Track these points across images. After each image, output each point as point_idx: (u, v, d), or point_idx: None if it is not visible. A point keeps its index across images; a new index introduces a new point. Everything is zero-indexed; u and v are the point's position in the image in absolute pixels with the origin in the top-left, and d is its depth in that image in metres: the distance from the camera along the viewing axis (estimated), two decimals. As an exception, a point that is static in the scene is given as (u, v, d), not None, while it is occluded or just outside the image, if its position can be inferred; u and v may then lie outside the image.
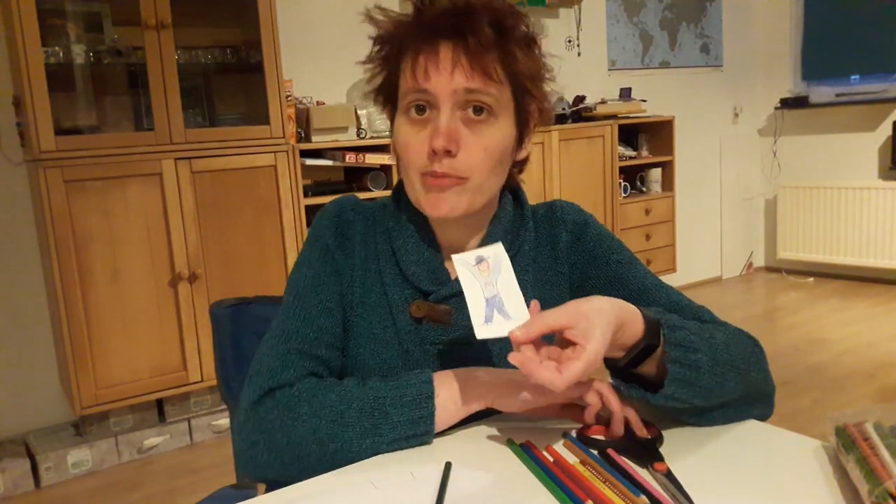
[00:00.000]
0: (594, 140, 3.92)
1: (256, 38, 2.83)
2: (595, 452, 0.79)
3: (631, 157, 4.21)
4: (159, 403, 2.84)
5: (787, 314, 4.22)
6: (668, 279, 4.33)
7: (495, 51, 0.88)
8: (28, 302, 2.82)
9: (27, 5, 2.38)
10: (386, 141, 3.15)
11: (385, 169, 3.17)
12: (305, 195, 2.99)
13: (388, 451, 0.83)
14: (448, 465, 0.78)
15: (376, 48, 0.94)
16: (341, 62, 3.34)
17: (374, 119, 3.22)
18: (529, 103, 0.93)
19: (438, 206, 0.90)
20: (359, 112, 3.19)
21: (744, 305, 4.49)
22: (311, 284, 0.95)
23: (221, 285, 2.80)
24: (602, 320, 0.75)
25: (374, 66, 0.95)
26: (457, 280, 0.95)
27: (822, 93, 4.87)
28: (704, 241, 5.05)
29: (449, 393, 0.85)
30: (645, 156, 4.33)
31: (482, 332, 0.80)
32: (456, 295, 0.95)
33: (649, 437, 0.82)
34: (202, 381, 2.79)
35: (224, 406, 2.88)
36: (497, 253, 0.85)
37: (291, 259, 2.94)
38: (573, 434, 0.83)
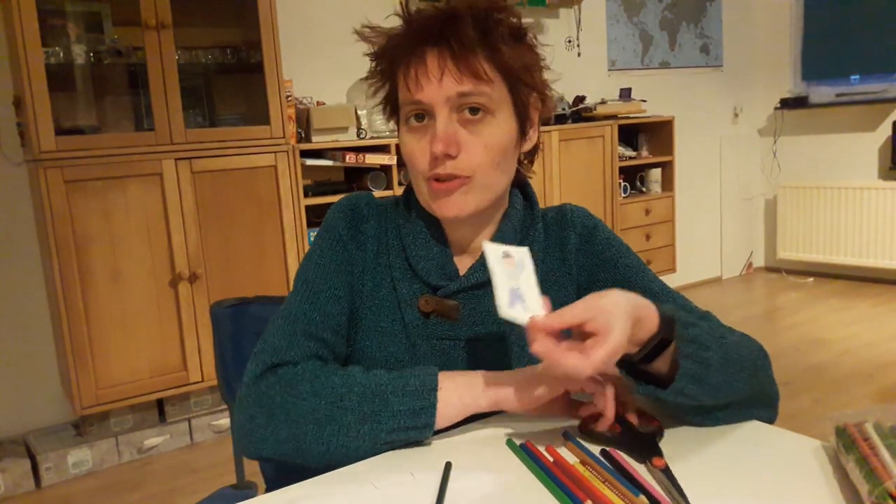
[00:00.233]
0: (594, 140, 3.92)
1: (256, 38, 2.83)
2: (595, 453, 0.79)
3: (631, 158, 4.21)
4: (159, 403, 2.84)
5: (787, 314, 4.22)
6: (668, 279, 4.33)
7: (481, 50, 0.89)
8: (28, 302, 2.82)
9: (27, 5, 2.38)
10: (386, 141, 3.15)
11: (385, 169, 3.17)
12: (305, 195, 2.99)
13: (386, 441, 0.82)
14: (448, 465, 0.78)
15: (374, 64, 0.96)
16: (341, 62, 3.34)
17: (374, 119, 3.22)
18: (527, 94, 0.94)
19: (447, 208, 0.92)
20: (359, 112, 3.19)
21: (744, 305, 4.49)
22: (321, 272, 0.96)
23: (221, 285, 2.80)
24: (620, 311, 0.76)
25: (375, 80, 0.97)
26: (465, 276, 0.97)
27: (822, 93, 4.87)
28: (704, 242, 5.05)
29: (453, 388, 0.85)
30: (645, 156, 4.33)
31: (505, 312, 0.79)
32: (464, 290, 0.97)
33: (650, 429, 0.82)
34: (202, 381, 2.79)
35: (224, 406, 2.88)
36: (523, 254, 0.84)
37: (292, 259, 2.94)
38: (571, 432, 0.83)
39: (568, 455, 0.80)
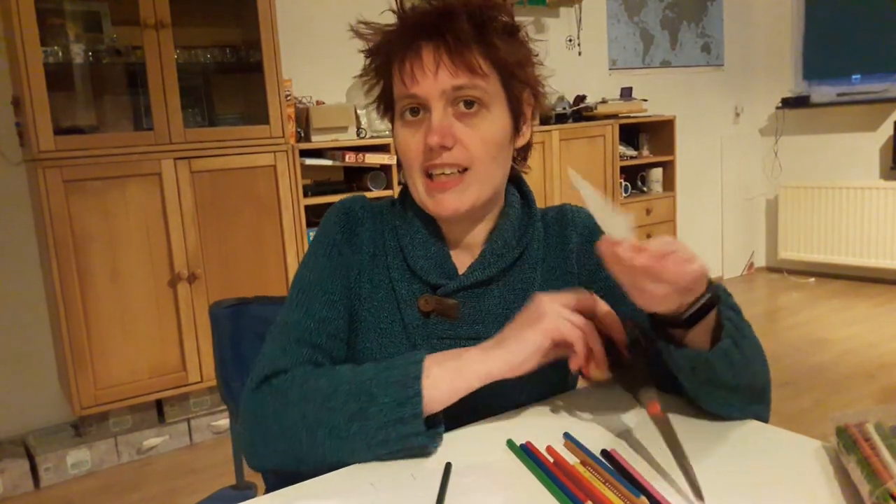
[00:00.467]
0: (595, 140, 3.92)
1: (256, 38, 2.83)
2: (595, 453, 0.79)
3: (632, 157, 4.21)
4: (159, 404, 2.84)
5: (788, 314, 4.21)
6: (668, 279, 4.33)
7: (476, 45, 0.90)
8: (27, 302, 2.82)
9: (26, 5, 2.38)
10: (386, 141, 3.15)
11: (385, 169, 3.17)
12: (305, 195, 2.99)
13: (381, 441, 0.80)
14: (448, 466, 0.78)
15: (368, 60, 0.97)
16: (341, 62, 3.34)
17: (374, 119, 3.21)
18: (521, 90, 0.95)
19: (443, 206, 0.93)
20: (358, 112, 3.18)
21: (745, 306, 4.43)
22: (316, 278, 0.96)
23: (221, 285, 2.79)
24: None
25: (370, 77, 0.98)
26: (465, 275, 0.97)
27: (823, 92, 4.87)
28: (705, 241, 5.04)
29: (440, 374, 0.82)
30: (646, 155, 4.33)
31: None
32: (464, 289, 0.96)
33: (640, 365, 0.83)
34: (202, 381, 2.79)
35: (224, 406, 2.87)
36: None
37: (291, 259, 2.94)
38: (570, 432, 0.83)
39: (568, 455, 0.79)
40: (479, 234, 1.00)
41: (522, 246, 1.00)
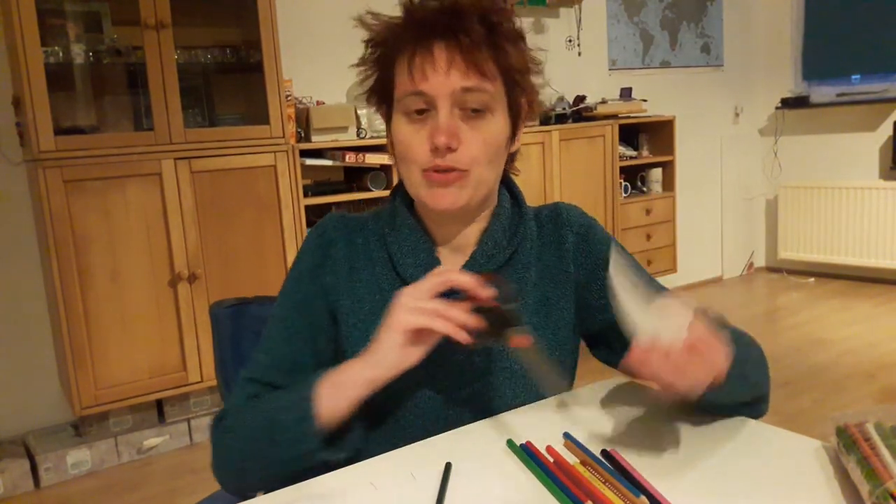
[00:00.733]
0: (594, 140, 3.92)
1: (256, 38, 2.83)
2: (596, 453, 0.79)
3: (631, 157, 4.21)
4: (159, 404, 2.84)
5: (787, 314, 4.21)
6: (668, 279, 4.33)
7: (487, 48, 0.90)
8: (28, 302, 2.82)
9: (27, 5, 2.38)
10: (386, 140, 3.14)
11: (385, 169, 3.17)
12: (305, 195, 2.99)
13: (290, 457, 0.84)
14: (448, 466, 0.78)
15: (370, 51, 0.96)
16: (341, 62, 3.34)
17: (374, 119, 3.21)
18: (520, 96, 0.96)
19: (441, 200, 0.92)
20: (359, 112, 3.18)
21: (745, 306, 4.49)
22: (280, 314, 1.00)
23: (221, 285, 2.79)
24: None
25: (368, 68, 0.97)
26: None
27: (822, 93, 4.87)
28: (705, 242, 5.04)
29: (328, 386, 0.86)
30: (645, 156, 4.33)
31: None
32: (455, 292, 0.95)
33: (496, 304, 0.83)
34: (202, 381, 2.79)
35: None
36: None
37: (291, 259, 2.92)
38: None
39: (568, 455, 0.79)
40: (470, 235, 1.00)
41: (514, 246, 1.00)
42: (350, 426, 0.88)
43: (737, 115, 5.10)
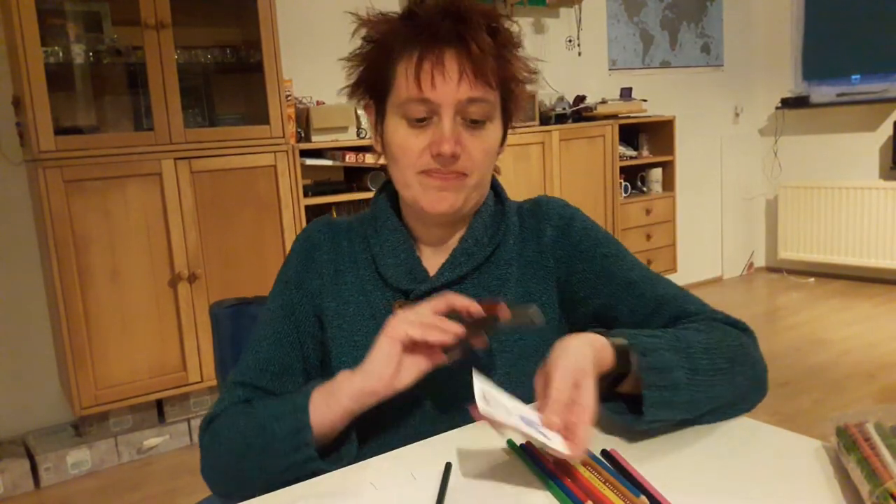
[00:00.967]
0: (595, 140, 3.92)
1: (256, 38, 2.83)
2: (596, 453, 0.79)
3: (631, 157, 4.21)
4: (159, 404, 2.84)
5: (787, 314, 4.21)
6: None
7: (493, 58, 0.89)
8: (28, 302, 2.82)
9: (27, 5, 2.38)
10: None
11: (385, 169, 3.16)
12: (305, 195, 2.99)
13: (283, 468, 0.83)
14: (448, 466, 0.78)
15: (367, 47, 0.95)
16: (342, 62, 3.33)
17: (375, 119, 3.21)
18: (512, 104, 0.96)
19: (439, 203, 0.92)
20: (359, 112, 3.18)
21: (745, 306, 4.49)
22: (268, 318, 1.00)
23: (221, 285, 2.79)
24: (590, 370, 0.76)
25: (359, 63, 0.97)
26: (436, 276, 0.97)
27: (822, 93, 4.87)
28: (705, 242, 5.04)
29: (319, 397, 0.86)
30: (645, 156, 4.33)
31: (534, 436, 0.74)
32: (436, 290, 0.96)
33: (486, 315, 0.84)
34: (202, 381, 2.79)
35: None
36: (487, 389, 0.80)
37: (291, 259, 2.94)
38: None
39: (568, 455, 0.79)
40: (453, 236, 1.00)
41: (495, 243, 0.99)
42: (345, 438, 0.87)
43: (737, 115, 5.10)
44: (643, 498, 0.69)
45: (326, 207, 3.10)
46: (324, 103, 3.29)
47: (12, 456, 2.64)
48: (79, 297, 2.53)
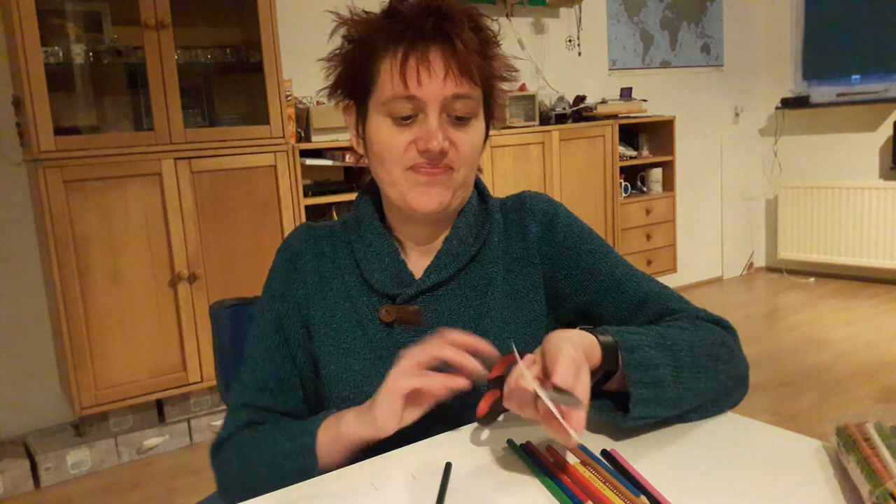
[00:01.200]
0: (594, 140, 3.92)
1: (256, 38, 2.83)
2: (596, 453, 0.79)
3: (631, 157, 4.21)
4: (159, 404, 2.84)
5: (787, 314, 4.21)
6: (668, 279, 4.33)
7: (477, 54, 0.90)
8: (28, 302, 2.82)
9: (27, 5, 2.38)
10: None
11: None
12: (305, 195, 2.99)
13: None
14: (448, 466, 0.78)
15: (347, 46, 0.94)
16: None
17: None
18: (493, 102, 0.97)
19: (428, 202, 0.92)
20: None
21: (745, 306, 4.49)
22: (259, 334, 1.01)
23: (221, 285, 2.79)
24: (585, 365, 0.76)
25: (339, 63, 0.95)
26: (422, 279, 0.97)
27: (822, 93, 4.87)
28: (705, 242, 5.04)
29: (325, 437, 0.86)
30: (645, 156, 4.33)
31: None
32: (423, 293, 0.96)
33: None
34: (202, 381, 2.79)
35: (224, 406, 2.87)
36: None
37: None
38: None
39: (568, 455, 0.79)
40: (439, 234, 1.00)
41: (480, 242, 0.99)
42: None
43: (737, 115, 5.10)
44: (643, 498, 0.69)
45: (326, 207, 3.10)
46: (324, 103, 3.28)
47: (12, 456, 2.64)
48: (79, 297, 2.53)
